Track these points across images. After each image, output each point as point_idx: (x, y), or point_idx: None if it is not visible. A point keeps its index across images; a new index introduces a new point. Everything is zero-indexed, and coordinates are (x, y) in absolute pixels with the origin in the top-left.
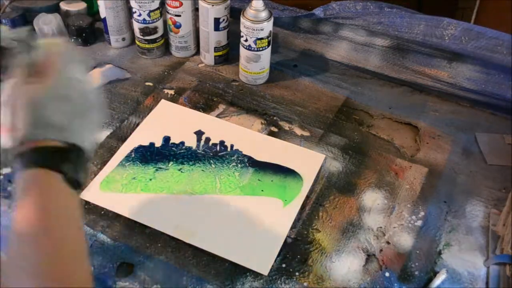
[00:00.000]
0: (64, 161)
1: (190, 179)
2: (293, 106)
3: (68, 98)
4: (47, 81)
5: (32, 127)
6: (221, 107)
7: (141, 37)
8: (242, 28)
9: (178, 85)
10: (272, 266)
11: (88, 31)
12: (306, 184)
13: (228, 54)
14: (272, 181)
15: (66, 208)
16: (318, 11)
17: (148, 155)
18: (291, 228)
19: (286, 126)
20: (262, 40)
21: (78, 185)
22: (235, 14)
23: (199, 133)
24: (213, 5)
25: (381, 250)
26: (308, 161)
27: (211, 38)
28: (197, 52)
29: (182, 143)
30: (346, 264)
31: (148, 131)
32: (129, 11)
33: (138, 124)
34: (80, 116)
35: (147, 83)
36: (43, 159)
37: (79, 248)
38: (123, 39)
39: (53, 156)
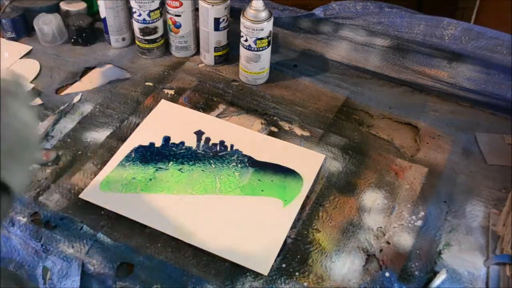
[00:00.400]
0: None
1: (190, 179)
2: (293, 106)
3: None
4: None
5: None
6: (221, 107)
7: (141, 37)
8: (242, 28)
9: (178, 85)
10: (272, 266)
11: (88, 31)
12: (306, 184)
13: (228, 54)
14: (272, 181)
15: None
16: (318, 11)
17: (148, 155)
18: (291, 228)
19: (286, 126)
20: (262, 40)
21: None
22: (235, 14)
23: (199, 133)
24: (213, 5)
25: (381, 250)
26: (308, 161)
27: (211, 38)
28: (197, 52)
29: (182, 143)
30: (346, 264)
31: (148, 131)
32: (129, 11)
33: (138, 124)
34: (7, 154)
35: (147, 83)
36: None
37: None
38: (123, 39)
39: None
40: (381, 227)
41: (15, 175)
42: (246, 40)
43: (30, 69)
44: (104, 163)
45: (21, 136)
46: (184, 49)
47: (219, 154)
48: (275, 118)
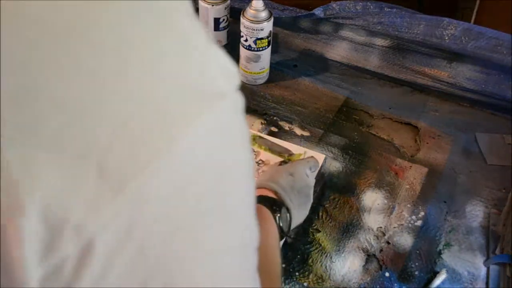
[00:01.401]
0: (276, 211)
1: None
2: (293, 106)
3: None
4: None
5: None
6: None
7: None
8: (242, 28)
9: None
10: None
11: None
12: None
13: (228, 54)
14: None
15: (273, 239)
16: (318, 11)
17: None
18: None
19: (286, 126)
20: (262, 40)
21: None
22: (235, 14)
23: None
24: (213, 5)
25: (381, 250)
26: None
27: (211, 38)
28: None
29: None
30: (346, 264)
31: None
32: None
33: None
34: (298, 195)
35: None
36: (265, 201)
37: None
38: None
39: (271, 203)
40: (381, 227)
41: (296, 212)
42: (246, 40)
43: None
44: None
45: (305, 186)
46: None
47: None
48: (275, 118)
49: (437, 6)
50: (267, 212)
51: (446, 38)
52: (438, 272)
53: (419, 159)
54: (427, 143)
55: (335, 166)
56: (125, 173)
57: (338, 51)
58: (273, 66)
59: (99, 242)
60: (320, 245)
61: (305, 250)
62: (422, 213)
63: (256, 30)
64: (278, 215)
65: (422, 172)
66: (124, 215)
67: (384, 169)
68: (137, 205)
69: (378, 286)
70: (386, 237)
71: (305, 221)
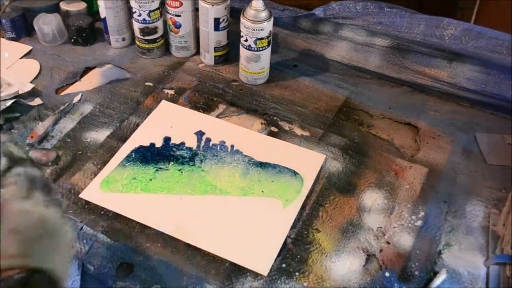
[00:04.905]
0: (28, 285)
1: (190, 180)
2: (293, 106)
3: (17, 230)
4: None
5: None
6: (221, 107)
7: (141, 37)
8: (242, 28)
9: (178, 85)
10: (272, 266)
11: (88, 31)
12: (306, 184)
13: (228, 54)
14: (272, 181)
15: None
16: (318, 11)
17: (148, 156)
18: (291, 228)
19: (286, 126)
20: (262, 40)
21: None
22: (235, 14)
23: (199, 134)
24: (213, 5)
25: (381, 250)
26: (309, 161)
27: (211, 38)
28: (197, 52)
29: (183, 143)
30: (346, 264)
31: (149, 132)
32: (129, 11)
33: (138, 124)
34: (36, 243)
35: (147, 83)
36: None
37: None
38: (123, 39)
39: (16, 284)
40: (381, 227)
41: (50, 260)
42: (246, 40)
43: (30, 69)
44: (104, 163)
45: (37, 226)
46: (184, 49)
47: (219, 154)
48: (275, 118)
49: (437, 6)
50: None
51: (446, 38)
52: (438, 272)
53: (419, 159)
54: (427, 143)
55: (335, 166)
56: None
57: (338, 51)
58: (273, 66)
59: None
60: (320, 245)
61: (305, 250)
62: (422, 213)
63: (256, 30)
64: None
65: (422, 172)
66: None
67: (384, 169)
68: None
69: (378, 286)
70: (386, 237)
71: (305, 221)
